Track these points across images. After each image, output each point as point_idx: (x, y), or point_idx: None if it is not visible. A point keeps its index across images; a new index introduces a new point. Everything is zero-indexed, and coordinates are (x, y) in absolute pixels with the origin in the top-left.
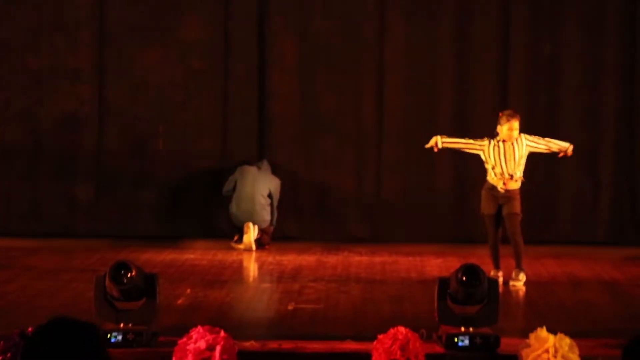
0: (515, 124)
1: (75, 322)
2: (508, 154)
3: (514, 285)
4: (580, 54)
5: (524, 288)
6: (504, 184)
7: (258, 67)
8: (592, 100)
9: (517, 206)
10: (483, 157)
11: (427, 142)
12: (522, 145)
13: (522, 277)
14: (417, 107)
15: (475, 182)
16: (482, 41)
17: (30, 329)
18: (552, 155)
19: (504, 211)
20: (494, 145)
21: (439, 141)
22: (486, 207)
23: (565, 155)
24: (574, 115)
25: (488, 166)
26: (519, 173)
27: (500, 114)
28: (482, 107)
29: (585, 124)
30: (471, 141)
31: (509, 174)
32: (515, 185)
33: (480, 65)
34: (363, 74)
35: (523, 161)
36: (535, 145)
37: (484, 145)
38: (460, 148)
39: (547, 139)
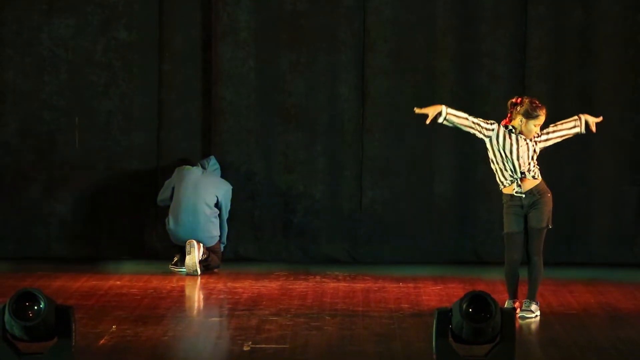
0: (543, 118)
1: None
2: (522, 149)
3: (522, 317)
4: (619, 23)
5: (537, 321)
6: (519, 185)
7: (203, 39)
8: (634, 83)
9: (545, 214)
10: (488, 147)
11: (420, 137)
12: (534, 141)
13: (536, 308)
14: (407, 94)
15: (484, 187)
16: (492, 8)
17: None
18: (582, 154)
19: (529, 222)
20: (504, 135)
21: (443, 111)
22: (510, 224)
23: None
24: (611, 102)
25: (495, 167)
26: (533, 173)
27: (519, 100)
28: (491, 94)
29: (625, 113)
30: (480, 121)
31: (521, 173)
32: (536, 181)
33: (488, 39)
34: (339, 50)
35: (536, 159)
36: (546, 139)
37: (491, 131)
38: (463, 125)
39: (554, 125)
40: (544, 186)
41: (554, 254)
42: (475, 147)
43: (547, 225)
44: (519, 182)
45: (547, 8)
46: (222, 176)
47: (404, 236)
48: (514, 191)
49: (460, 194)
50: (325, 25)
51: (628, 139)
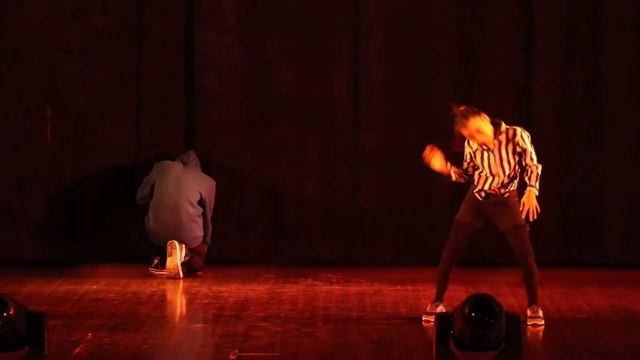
0: (473, 123)
1: None
2: (492, 159)
3: (535, 324)
4: (632, 2)
5: (545, 326)
6: (488, 190)
7: (185, 25)
8: None
9: (515, 211)
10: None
11: (420, 129)
12: (511, 145)
13: (541, 312)
14: (406, 83)
15: None
16: None
17: None
18: (593, 146)
19: (502, 225)
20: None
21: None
22: (465, 212)
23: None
24: (626, 89)
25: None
26: (511, 186)
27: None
28: (495, 80)
29: None
30: (467, 159)
31: (499, 183)
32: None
33: (492, 21)
34: (332, 36)
35: (515, 168)
36: (520, 148)
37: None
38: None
39: (531, 151)
40: (515, 192)
41: (563, 253)
42: None
43: (525, 222)
44: (491, 190)
45: None
46: (205, 172)
47: (402, 235)
48: (475, 190)
49: (463, 190)
50: (317, 8)
51: None
